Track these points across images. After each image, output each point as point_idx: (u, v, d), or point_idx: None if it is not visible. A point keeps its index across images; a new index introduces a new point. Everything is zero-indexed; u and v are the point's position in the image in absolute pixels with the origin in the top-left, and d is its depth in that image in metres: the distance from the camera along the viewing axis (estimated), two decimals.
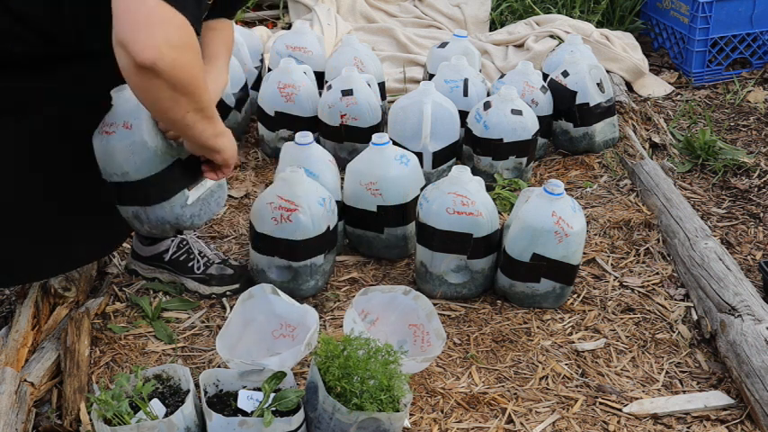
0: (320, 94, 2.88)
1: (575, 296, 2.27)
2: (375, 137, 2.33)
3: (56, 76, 1.78)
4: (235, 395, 1.73)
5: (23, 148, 1.81)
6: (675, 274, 2.36)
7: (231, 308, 2.19)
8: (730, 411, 1.91)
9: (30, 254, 1.95)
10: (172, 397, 1.74)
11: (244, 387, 1.75)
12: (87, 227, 1.98)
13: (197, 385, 1.74)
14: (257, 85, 3.06)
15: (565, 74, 2.90)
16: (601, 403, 1.93)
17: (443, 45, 3.12)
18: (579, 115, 2.89)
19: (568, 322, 2.18)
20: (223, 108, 2.90)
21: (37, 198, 1.87)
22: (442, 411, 1.89)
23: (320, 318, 2.12)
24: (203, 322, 2.17)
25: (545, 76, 3.01)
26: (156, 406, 1.68)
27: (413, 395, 1.83)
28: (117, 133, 1.80)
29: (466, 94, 2.83)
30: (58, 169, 1.87)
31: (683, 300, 2.27)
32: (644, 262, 2.42)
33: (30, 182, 1.85)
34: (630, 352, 2.09)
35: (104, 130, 1.81)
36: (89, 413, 1.76)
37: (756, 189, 2.80)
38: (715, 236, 2.48)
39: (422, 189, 2.30)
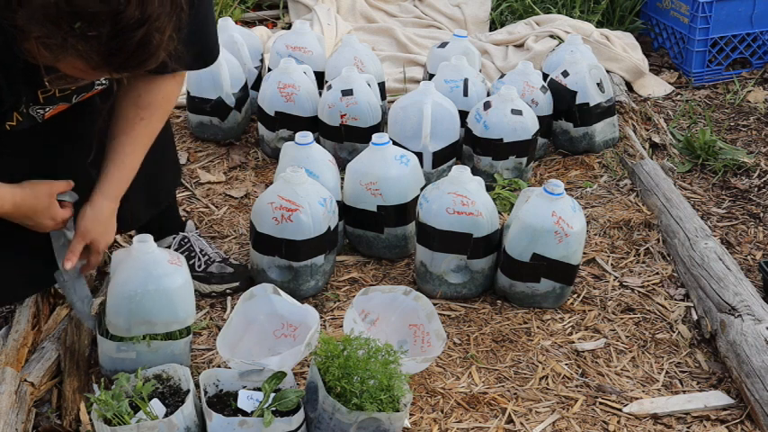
0: (320, 94, 2.88)
1: (575, 296, 2.27)
2: (375, 137, 2.33)
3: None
4: (235, 395, 1.72)
5: None
6: (675, 274, 2.36)
7: (233, 307, 2.19)
8: (730, 411, 1.91)
9: None
10: (172, 397, 1.74)
11: (244, 387, 1.75)
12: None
13: (197, 385, 1.74)
14: (257, 85, 3.05)
15: (565, 74, 2.90)
16: (601, 403, 1.93)
17: (443, 45, 3.12)
18: (579, 115, 2.89)
19: (568, 322, 2.18)
20: (223, 108, 2.91)
21: None
22: (441, 411, 1.89)
23: (320, 318, 2.12)
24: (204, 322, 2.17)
25: (545, 76, 3.01)
26: (156, 406, 1.68)
27: (413, 395, 1.83)
28: None
29: (466, 94, 2.83)
30: None
31: (683, 300, 2.27)
32: (644, 262, 2.42)
33: None
34: (630, 352, 2.09)
35: None
36: (89, 413, 1.75)
37: (756, 189, 2.80)
38: (715, 236, 2.47)
39: (422, 189, 2.30)
